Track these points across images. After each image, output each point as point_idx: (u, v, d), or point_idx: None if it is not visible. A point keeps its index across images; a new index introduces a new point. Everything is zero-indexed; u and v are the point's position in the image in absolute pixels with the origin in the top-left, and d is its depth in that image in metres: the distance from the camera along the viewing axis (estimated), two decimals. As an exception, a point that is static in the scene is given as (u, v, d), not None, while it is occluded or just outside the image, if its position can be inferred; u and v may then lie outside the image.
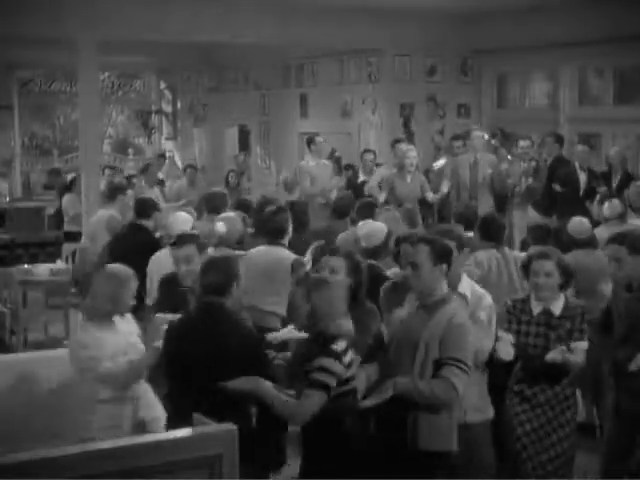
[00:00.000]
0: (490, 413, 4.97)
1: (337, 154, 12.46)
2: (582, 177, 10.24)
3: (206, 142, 16.74)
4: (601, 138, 11.58)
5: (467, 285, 4.96)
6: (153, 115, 18.41)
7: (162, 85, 18.20)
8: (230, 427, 3.00)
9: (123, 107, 19.23)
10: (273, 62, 14.50)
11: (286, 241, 6.59)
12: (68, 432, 4.73)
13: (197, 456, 2.89)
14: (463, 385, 4.33)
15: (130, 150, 18.05)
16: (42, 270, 9.76)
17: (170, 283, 5.77)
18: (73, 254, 10.93)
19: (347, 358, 4.23)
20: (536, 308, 5.17)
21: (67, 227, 11.85)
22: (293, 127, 14.35)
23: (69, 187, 12.25)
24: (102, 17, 10.72)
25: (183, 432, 3.00)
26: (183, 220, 6.90)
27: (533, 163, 10.34)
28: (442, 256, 4.45)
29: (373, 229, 6.23)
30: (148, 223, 7.17)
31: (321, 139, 11.31)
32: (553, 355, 5.00)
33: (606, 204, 7.79)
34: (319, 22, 11.75)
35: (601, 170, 10.62)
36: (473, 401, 4.77)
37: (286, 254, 6.43)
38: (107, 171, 13.45)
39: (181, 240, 5.88)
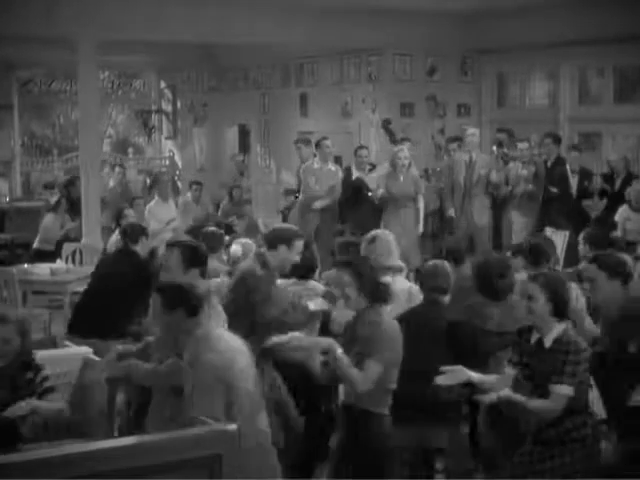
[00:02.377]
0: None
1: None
2: (574, 179, 10.37)
3: (206, 142, 16.74)
4: (601, 138, 11.58)
5: None
6: (153, 115, 18.42)
7: (162, 85, 18.21)
8: (230, 427, 3.00)
9: (123, 107, 19.26)
10: (273, 62, 14.51)
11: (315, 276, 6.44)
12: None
13: (197, 456, 2.89)
14: None
15: (130, 150, 18.06)
16: (42, 270, 9.76)
17: None
18: (73, 254, 10.95)
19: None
20: (533, 337, 4.61)
21: (39, 245, 11.78)
22: (293, 127, 14.35)
23: (55, 207, 12.15)
24: (102, 17, 10.72)
25: (183, 432, 3.00)
26: None
27: (532, 168, 10.33)
28: None
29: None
30: (136, 248, 7.20)
31: (328, 142, 10.99)
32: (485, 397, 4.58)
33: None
34: (319, 22, 11.75)
35: (602, 171, 10.68)
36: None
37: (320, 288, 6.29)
38: (117, 169, 13.49)
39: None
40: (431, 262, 5.88)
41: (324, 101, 13.65)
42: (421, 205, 10.33)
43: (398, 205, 10.13)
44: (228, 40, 12.52)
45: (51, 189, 15.80)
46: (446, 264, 5.78)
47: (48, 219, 11.91)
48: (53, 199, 12.67)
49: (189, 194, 13.29)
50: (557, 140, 10.67)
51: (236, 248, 6.66)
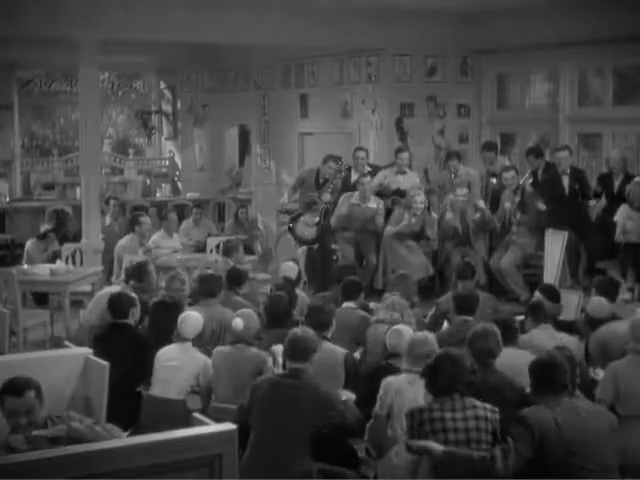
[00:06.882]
0: None
1: (345, 164, 11.22)
2: (565, 180, 10.36)
3: (206, 142, 16.74)
4: (601, 138, 11.58)
5: None
6: (153, 115, 18.41)
7: (162, 85, 18.20)
8: (230, 427, 3.00)
9: (123, 107, 19.24)
10: (273, 62, 14.51)
11: (329, 334, 6.39)
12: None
13: (197, 456, 2.89)
14: None
15: (130, 150, 18.05)
16: (42, 270, 9.76)
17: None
18: (73, 254, 10.93)
19: None
20: None
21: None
22: (293, 127, 14.35)
23: (42, 237, 11.97)
24: (102, 17, 10.73)
25: (183, 432, 3.00)
26: (194, 321, 6.62)
27: (517, 198, 10.30)
28: None
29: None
30: (128, 321, 6.87)
31: (367, 179, 10.71)
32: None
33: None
34: (319, 22, 11.75)
35: (601, 172, 10.68)
36: None
37: (339, 349, 6.30)
38: (112, 201, 13.29)
39: None
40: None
41: (324, 101, 13.65)
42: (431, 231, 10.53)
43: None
44: (228, 40, 12.52)
45: (51, 189, 15.81)
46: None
47: (30, 244, 11.69)
48: (43, 228, 12.56)
49: (190, 218, 13.26)
50: (539, 153, 10.81)
51: (237, 321, 6.35)
